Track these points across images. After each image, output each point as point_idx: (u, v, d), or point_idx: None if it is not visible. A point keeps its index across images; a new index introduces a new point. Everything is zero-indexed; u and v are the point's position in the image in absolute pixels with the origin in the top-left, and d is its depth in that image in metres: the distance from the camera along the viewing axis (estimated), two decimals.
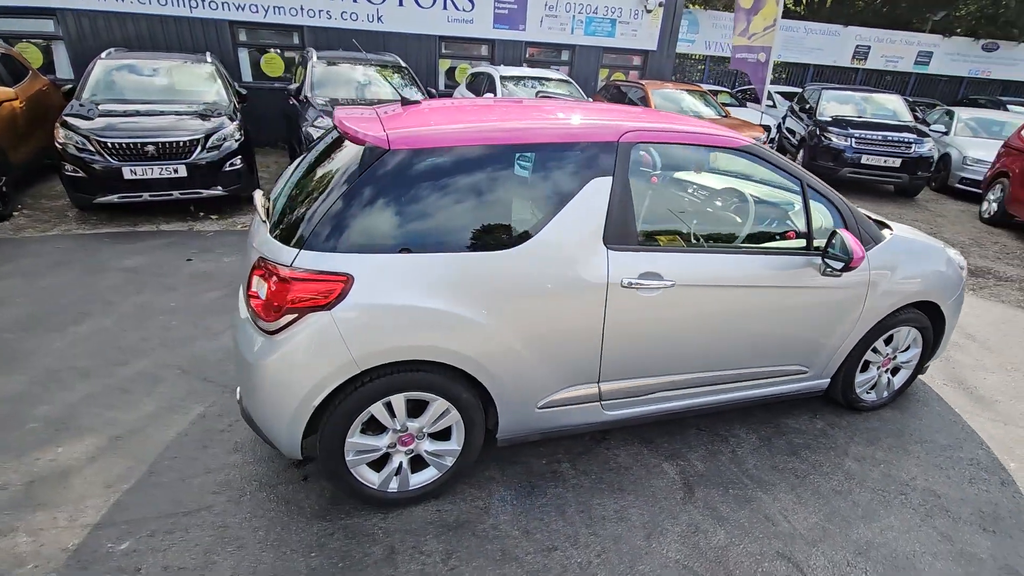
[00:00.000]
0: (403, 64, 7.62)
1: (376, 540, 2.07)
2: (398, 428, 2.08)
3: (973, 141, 9.00)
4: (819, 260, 2.42)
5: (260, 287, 1.90)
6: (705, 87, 10.92)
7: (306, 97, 6.46)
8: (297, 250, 1.84)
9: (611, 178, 2.09)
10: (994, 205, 7.31)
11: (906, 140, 8.06)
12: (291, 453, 2.02)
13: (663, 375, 2.38)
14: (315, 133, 5.68)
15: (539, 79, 8.01)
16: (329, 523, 2.13)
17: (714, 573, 2.02)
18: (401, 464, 2.15)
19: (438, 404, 2.07)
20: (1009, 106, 13.34)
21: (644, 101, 8.68)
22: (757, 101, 12.96)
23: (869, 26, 16.40)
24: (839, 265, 2.30)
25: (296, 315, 1.83)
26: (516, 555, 2.04)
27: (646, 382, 2.37)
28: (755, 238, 2.55)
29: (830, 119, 8.74)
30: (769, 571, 2.04)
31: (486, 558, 2.02)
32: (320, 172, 2.15)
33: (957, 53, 16.07)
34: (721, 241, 2.60)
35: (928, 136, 8.28)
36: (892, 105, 9.18)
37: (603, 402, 2.33)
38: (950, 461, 2.70)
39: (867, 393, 2.97)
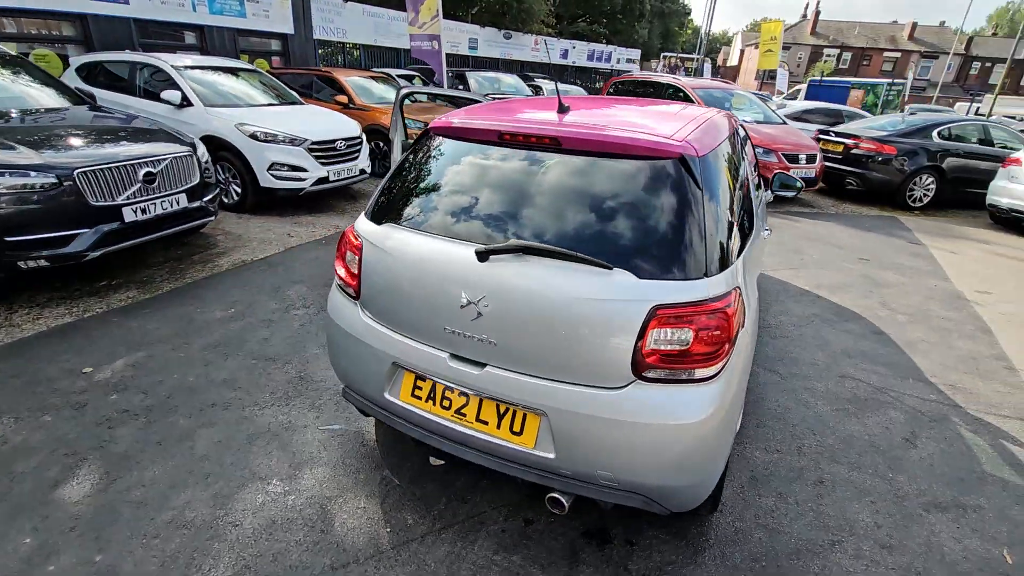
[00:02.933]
0: (13, 53, 4.86)
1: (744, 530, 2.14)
2: None
3: None
4: (767, 192, 3.58)
5: (672, 339, 1.61)
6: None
7: None
8: (703, 280, 1.65)
9: None
10: None
11: None
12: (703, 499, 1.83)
13: None
14: None
15: (230, 70, 6.53)
16: (723, 550, 2.03)
17: (845, 399, 3.02)
18: None
19: None
20: (536, 80, 18.57)
21: (342, 89, 8.26)
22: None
23: None
24: (794, 192, 3.50)
25: (731, 345, 1.68)
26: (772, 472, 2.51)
27: None
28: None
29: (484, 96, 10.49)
30: (852, 387, 3.18)
31: (790, 481, 2.41)
32: (606, 196, 1.78)
33: (492, 40, 20.95)
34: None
35: None
36: (514, 83, 11.68)
37: None
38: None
39: None
